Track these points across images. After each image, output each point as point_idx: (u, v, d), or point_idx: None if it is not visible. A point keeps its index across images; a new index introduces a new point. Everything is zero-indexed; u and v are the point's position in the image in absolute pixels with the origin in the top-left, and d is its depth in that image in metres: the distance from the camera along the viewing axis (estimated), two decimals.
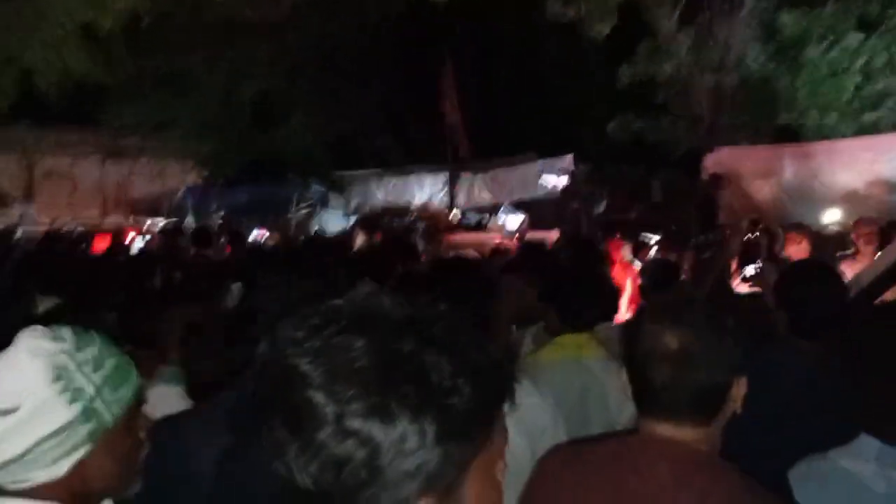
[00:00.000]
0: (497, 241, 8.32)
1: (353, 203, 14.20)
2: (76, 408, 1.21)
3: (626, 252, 6.57)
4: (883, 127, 10.65)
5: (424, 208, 12.24)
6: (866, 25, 11.18)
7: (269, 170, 15.75)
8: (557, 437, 2.11)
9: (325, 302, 0.84)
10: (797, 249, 5.40)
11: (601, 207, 11.62)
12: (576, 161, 12.70)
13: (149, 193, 17.78)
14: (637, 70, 12.73)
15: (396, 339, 0.77)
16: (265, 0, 9.19)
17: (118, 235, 10.00)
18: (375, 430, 0.74)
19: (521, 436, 1.83)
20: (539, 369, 2.55)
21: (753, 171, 10.00)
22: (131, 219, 16.39)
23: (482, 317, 2.83)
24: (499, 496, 0.85)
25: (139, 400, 1.32)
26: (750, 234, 6.45)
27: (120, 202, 18.34)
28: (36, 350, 1.22)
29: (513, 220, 10.70)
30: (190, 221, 14.23)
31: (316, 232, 12.36)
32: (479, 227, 10.76)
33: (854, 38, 11.08)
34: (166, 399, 1.94)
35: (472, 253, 6.15)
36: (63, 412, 1.20)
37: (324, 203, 14.90)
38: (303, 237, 10.93)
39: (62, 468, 1.21)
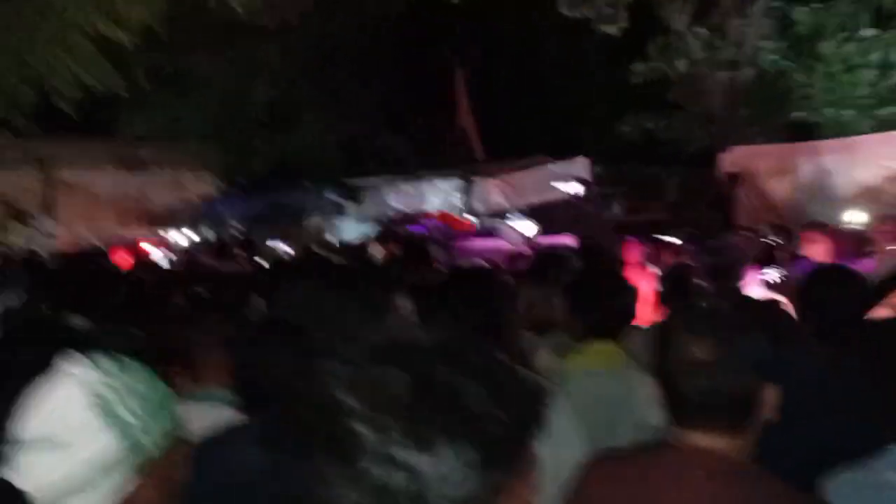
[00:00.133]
0: (512, 247, 8.30)
1: (367, 210, 14.22)
2: (118, 437, 1.22)
3: (641, 255, 6.52)
4: None
5: (438, 214, 12.23)
6: (881, 19, 11.09)
7: (282, 177, 15.85)
8: (578, 446, 2.13)
9: (348, 314, 0.88)
10: (817, 249, 5.36)
11: (616, 209, 11.56)
12: (589, 163, 12.64)
13: (165, 204, 17.89)
14: (649, 67, 12.70)
15: (431, 368, 0.81)
16: (276, 4, 9.27)
17: (137, 249, 10.08)
18: (415, 457, 0.77)
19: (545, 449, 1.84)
20: (563, 378, 2.56)
21: (769, 169, 9.94)
22: (148, 230, 16.51)
23: (494, 325, 2.86)
24: None
25: (180, 428, 1.33)
26: (766, 237, 6.41)
27: (136, 213, 18.47)
28: (78, 380, 1.22)
29: (524, 225, 10.67)
30: (206, 232, 14.32)
31: (334, 240, 12.41)
32: (493, 232, 10.75)
33: (869, 32, 11.00)
34: (200, 418, 1.96)
35: (485, 260, 6.14)
36: (105, 442, 1.20)
37: (338, 211, 14.94)
38: (318, 245, 10.97)
39: (104, 498, 1.22)
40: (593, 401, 2.52)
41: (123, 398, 1.23)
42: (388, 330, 0.88)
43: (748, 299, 3.61)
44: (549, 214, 11.16)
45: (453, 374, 0.81)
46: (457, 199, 13.02)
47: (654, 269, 5.64)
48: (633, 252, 6.50)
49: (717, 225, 8.75)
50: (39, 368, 1.25)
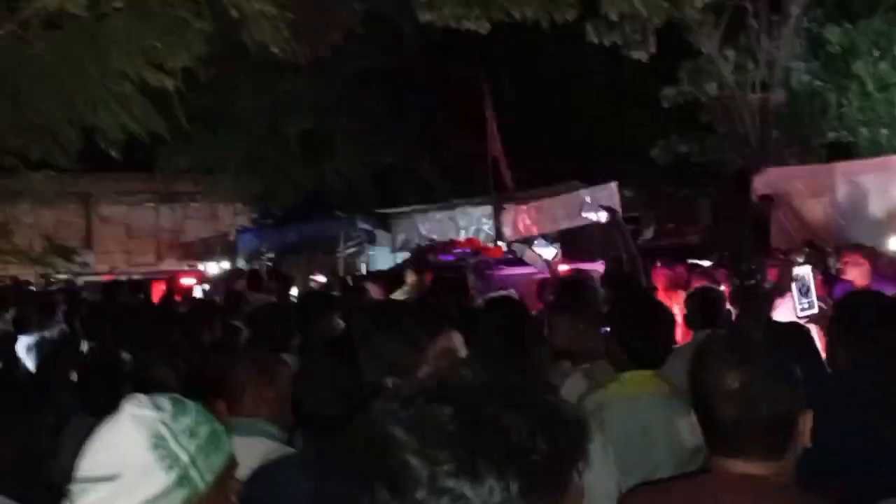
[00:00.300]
0: (542, 274, 8.29)
1: (400, 239, 14.31)
2: (173, 475, 1.28)
3: (668, 280, 6.47)
4: None
5: (472, 243, 12.27)
6: None
7: (315, 208, 16.06)
8: (616, 476, 2.13)
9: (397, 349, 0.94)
10: (858, 272, 5.27)
11: (649, 234, 11.49)
12: (620, 187, 12.61)
13: (201, 237, 18.24)
14: (679, 91, 12.68)
15: (477, 404, 0.87)
16: (309, 40, 9.53)
17: (174, 282, 10.27)
18: (466, 487, 0.83)
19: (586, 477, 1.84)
20: (602, 407, 2.56)
21: (803, 190, 9.82)
22: (184, 262, 16.83)
23: (522, 354, 2.88)
24: None
25: (231, 465, 1.39)
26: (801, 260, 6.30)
27: (173, 247, 18.87)
28: (138, 419, 1.30)
29: (552, 252, 10.64)
30: (241, 264, 14.53)
31: (368, 270, 12.50)
32: (522, 259, 10.76)
33: None
34: (244, 451, 1.98)
35: (516, 289, 6.11)
36: (160, 479, 1.27)
37: (370, 240, 15.06)
38: (351, 276, 11.06)
39: None
40: (627, 428, 2.51)
41: (179, 437, 1.30)
42: (434, 367, 0.93)
43: (777, 325, 3.58)
44: (576, 240, 11.13)
45: (498, 410, 0.86)
46: (487, 227, 13.06)
47: (682, 294, 5.59)
48: (661, 277, 6.46)
49: (752, 248, 8.65)
50: (105, 410, 1.33)
